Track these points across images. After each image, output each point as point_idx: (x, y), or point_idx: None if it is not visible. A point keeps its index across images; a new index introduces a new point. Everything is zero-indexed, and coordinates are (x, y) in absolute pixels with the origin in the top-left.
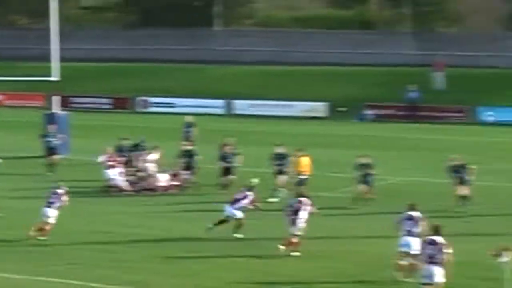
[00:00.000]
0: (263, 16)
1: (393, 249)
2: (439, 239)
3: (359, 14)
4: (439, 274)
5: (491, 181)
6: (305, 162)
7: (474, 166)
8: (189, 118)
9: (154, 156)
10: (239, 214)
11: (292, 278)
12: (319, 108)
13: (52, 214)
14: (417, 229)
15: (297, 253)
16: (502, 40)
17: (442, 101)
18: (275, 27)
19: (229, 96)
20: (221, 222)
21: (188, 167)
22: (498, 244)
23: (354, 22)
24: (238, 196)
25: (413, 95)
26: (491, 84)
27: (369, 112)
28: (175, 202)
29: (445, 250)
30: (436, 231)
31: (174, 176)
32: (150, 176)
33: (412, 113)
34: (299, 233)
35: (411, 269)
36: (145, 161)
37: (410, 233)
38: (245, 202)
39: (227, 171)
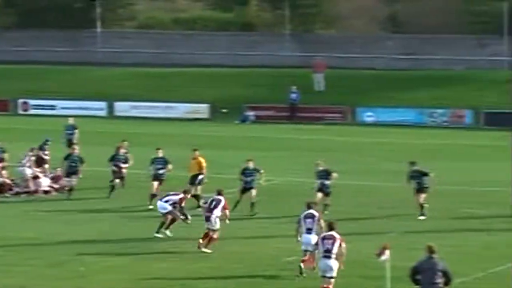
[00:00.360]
0: (144, 18)
1: (277, 249)
2: (334, 234)
3: (239, 16)
4: (335, 268)
5: (372, 181)
6: (200, 162)
7: (335, 174)
8: (71, 121)
9: (32, 158)
10: (168, 208)
11: (178, 279)
12: (201, 109)
13: None
14: (316, 227)
15: (208, 251)
16: (381, 41)
17: (322, 102)
18: (156, 29)
19: (110, 98)
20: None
21: (72, 172)
22: (380, 243)
23: (235, 24)
24: (171, 193)
25: (293, 96)
26: (370, 85)
27: (251, 113)
28: (59, 205)
29: (340, 245)
30: (331, 227)
31: (54, 179)
32: (30, 179)
33: (292, 114)
34: (214, 228)
35: (310, 265)
36: (25, 164)
37: (309, 231)
38: (174, 198)
39: (119, 173)
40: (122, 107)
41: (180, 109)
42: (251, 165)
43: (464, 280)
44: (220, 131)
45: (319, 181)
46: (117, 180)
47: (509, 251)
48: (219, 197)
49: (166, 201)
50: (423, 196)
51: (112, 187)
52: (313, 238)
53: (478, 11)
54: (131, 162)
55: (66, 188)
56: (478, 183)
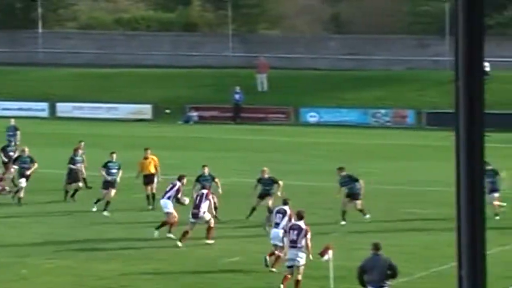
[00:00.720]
0: (86, 19)
1: (220, 250)
2: (301, 224)
3: (182, 16)
4: (302, 257)
5: (315, 181)
6: (153, 161)
7: (281, 182)
8: (12, 122)
9: None
10: (169, 207)
11: (122, 281)
12: (144, 110)
13: None
14: (284, 222)
15: (211, 241)
16: (324, 42)
17: (266, 102)
18: (97, 30)
19: (52, 99)
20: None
21: (23, 173)
22: (323, 243)
23: (177, 24)
24: (168, 188)
25: (237, 96)
26: (313, 86)
27: (194, 113)
28: (3, 208)
29: (306, 235)
30: (300, 217)
31: None
32: None
33: (236, 114)
34: (207, 219)
35: (277, 259)
36: None
37: (277, 225)
38: (173, 190)
39: (75, 175)
40: (64, 108)
41: (123, 110)
42: (206, 171)
43: (407, 280)
44: (163, 132)
45: (263, 188)
46: (80, 184)
47: (450, 251)
48: (204, 191)
49: (168, 197)
50: (358, 202)
51: (75, 191)
52: (281, 232)
53: (420, 11)
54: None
55: (6, 191)
56: (420, 183)
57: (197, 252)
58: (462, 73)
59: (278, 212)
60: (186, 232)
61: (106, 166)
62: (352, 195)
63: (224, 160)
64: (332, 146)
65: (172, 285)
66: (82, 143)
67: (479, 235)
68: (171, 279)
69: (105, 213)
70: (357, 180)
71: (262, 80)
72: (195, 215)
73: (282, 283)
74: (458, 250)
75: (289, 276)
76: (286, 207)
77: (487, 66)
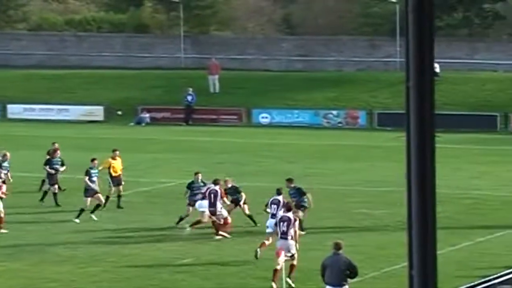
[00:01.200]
0: (36, 19)
1: (171, 252)
2: (290, 216)
3: (133, 17)
4: (292, 246)
5: (268, 182)
6: (118, 163)
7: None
8: None
9: None
10: (205, 207)
11: (73, 284)
12: (96, 111)
13: None
14: (281, 212)
15: (228, 235)
16: (276, 43)
17: (218, 103)
18: (48, 31)
19: (2, 100)
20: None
21: None
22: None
23: (129, 26)
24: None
25: (189, 98)
26: (265, 87)
27: (146, 115)
28: None
29: (294, 225)
30: (288, 208)
31: None
32: None
33: (188, 116)
34: (224, 216)
35: (265, 247)
36: None
37: (273, 216)
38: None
39: (56, 178)
40: (15, 110)
41: (75, 112)
42: (199, 178)
43: (359, 280)
44: (115, 134)
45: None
46: (56, 186)
47: (402, 251)
48: (215, 187)
49: (203, 198)
50: (301, 213)
51: (45, 193)
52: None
53: (370, 13)
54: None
55: None
56: (372, 184)
57: (149, 254)
58: (412, 74)
59: (272, 203)
60: (198, 221)
61: (88, 173)
62: (298, 207)
63: (176, 161)
64: (285, 147)
65: (123, 287)
66: (56, 144)
67: (430, 235)
68: (122, 281)
69: (93, 216)
70: (304, 194)
71: (214, 82)
72: (213, 213)
73: (260, 247)
74: (409, 250)
75: (267, 243)
76: (280, 197)
77: (437, 67)
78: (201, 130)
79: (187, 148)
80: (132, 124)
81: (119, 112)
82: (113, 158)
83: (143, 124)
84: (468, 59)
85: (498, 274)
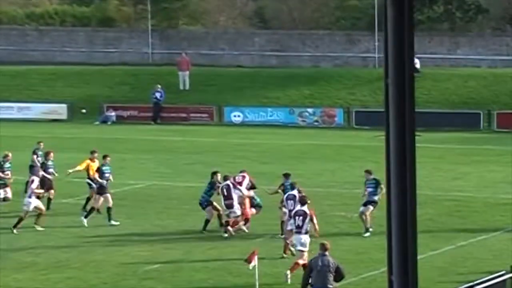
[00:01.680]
0: None
1: (139, 257)
2: (305, 209)
3: (98, 10)
4: (306, 242)
5: None
6: (96, 165)
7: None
8: None
9: None
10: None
11: None
12: (59, 110)
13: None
14: (298, 207)
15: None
16: (248, 37)
17: (188, 101)
18: (8, 25)
19: None
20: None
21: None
22: (249, 249)
23: (93, 19)
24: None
25: (157, 95)
26: (237, 84)
27: (112, 113)
28: None
29: (312, 220)
30: (303, 202)
31: None
32: None
33: (157, 114)
34: (237, 214)
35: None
36: None
37: (291, 212)
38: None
39: (49, 182)
40: None
41: (36, 110)
42: (219, 177)
43: (337, 286)
44: (79, 133)
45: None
46: (52, 191)
47: (381, 255)
48: (227, 182)
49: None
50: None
51: (49, 199)
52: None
53: (348, 6)
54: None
55: None
56: (349, 185)
57: (115, 260)
58: (391, 71)
59: (288, 199)
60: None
61: (100, 170)
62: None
63: (144, 162)
64: (258, 147)
65: None
66: (41, 144)
67: (411, 239)
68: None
69: (113, 221)
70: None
71: (184, 78)
72: (230, 206)
73: (290, 271)
74: (389, 255)
75: (301, 262)
76: (295, 192)
77: (417, 63)
78: (170, 129)
79: (156, 148)
80: (97, 123)
81: (83, 110)
82: (92, 160)
83: (109, 123)
84: (450, 55)
85: (482, 280)
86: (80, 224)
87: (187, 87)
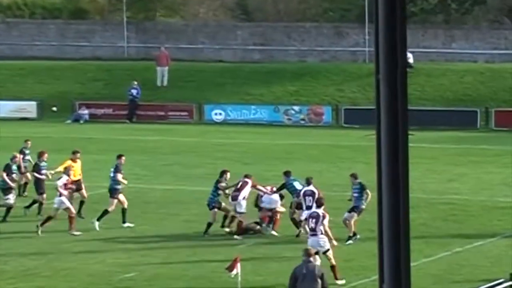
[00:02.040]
0: None
1: (113, 265)
2: (320, 211)
3: (70, 1)
4: (324, 243)
5: None
6: (78, 167)
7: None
8: None
9: None
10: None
11: None
12: (28, 107)
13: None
14: (315, 204)
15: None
16: (230, 30)
17: (166, 98)
18: None
19: None
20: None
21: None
22: (230, 257)
23: (65, 11)
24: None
25: (133, 92)
26: (219, 80)
27: (85, 111)
28: None
29: (323, 221)
30: (320, 204)
31: None
32: None
33: (132, 112)
34: (241, 211)
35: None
36: None
37: (309, 208)
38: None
39: (43, 184)
40: None
41: (4, 108)
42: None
43: None
44: (50, 132)
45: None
46: (44, 195)
47: (372, 262)
48: (247, 179)
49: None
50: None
51: (41, 203)
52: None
53: None
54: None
55: None
56: (337, 188)
57: (88, 268)
58: (383, 66)
59: (306, 194)
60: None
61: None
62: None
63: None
64: (241, 147)
65: None
66: (29, 142)
67: (403, 245)
68: None
69: (126, 224)
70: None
71: (162, 74)
72: (235, 198)
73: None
74: (380, 262)
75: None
76: (312, 187)
77: (410, 58)
78: (147, 128)
79: (131, 148)
80: (69, 121)
81: (54, 108)
82: (73, 161)
83: (82, 122)
84: (445, 48)
85: None
86: (51, 229)
87: (165, 83)
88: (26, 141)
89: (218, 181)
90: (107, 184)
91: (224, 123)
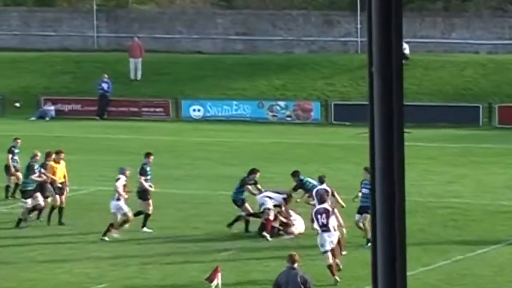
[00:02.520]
0: None
1: (82, 275)
2: (326, 206)
3: None
4: (335, 237)
5: (200, 189)
6: (62, 168)
7: None
8: None
9: None
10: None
11: None
12: None
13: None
14: (330, 201)
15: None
16: (210, 19)
17: (139, 93)
18: None
19: None
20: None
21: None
22: (211, 265)
23: None
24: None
25: (104, 86)
26: (197, 73)
27: (51, 107)
28: None
29: (333, 214)
30: (323, 200)
31: None
32: None
33: (103, 108)
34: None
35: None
36: None
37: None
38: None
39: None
40: None
41: None
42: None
43: None
44: (12, 130)
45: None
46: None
47: (364, 272)
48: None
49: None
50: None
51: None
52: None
53: None
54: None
55: None
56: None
57: (55, 278)
58: (376, 57)
59: (318, 193)
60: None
61: (144, 171)
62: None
63: (89, 164)
64: (221, 146)
65: None
66: (19, 141)
67: (399, 253)
68: None
69: (145, 229)
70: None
71: (135, 66)
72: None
73: (333, 274)
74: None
75: (331, 261)
76: (325, 186)
77: (406, 49)
78: (119, 125)
79: (102, 147)
80: (33, 118)
81: (17, 104)
82: (56, 162)
83: (47, 119)
84: (444, 39)
85: None
86: (16, 235)
87: (139, 76)
88: (15, 139)
89: (244, 179)
90: (75, 186)
91: (203, 120)
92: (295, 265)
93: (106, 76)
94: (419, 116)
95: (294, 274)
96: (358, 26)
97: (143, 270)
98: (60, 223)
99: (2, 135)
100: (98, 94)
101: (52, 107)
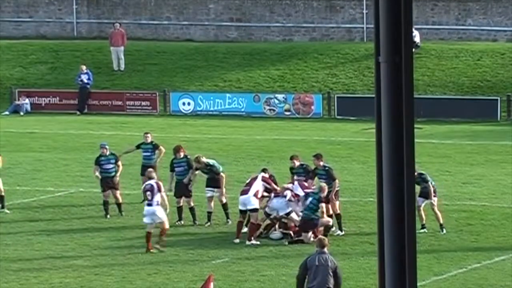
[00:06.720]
0: None
1: (61, 286)
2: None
3: None
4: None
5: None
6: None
7: None
8: None
9: None
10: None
11: None
12: None
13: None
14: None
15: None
16: (200, 4)
17: (123, 85)
18: None
19: None
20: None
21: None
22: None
23: None
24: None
25: (84, 77)
26: (187, 63)
27: (25, 101)
28: None
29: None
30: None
31: None
32: None
33: (83, 102)
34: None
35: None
36: None
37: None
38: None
39: None
40: None
41: None
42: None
43: None
44: None
45: None
46: None
47: (371, 281)
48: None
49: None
50: None
51: None
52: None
53: None
54: None
55: None
56: None
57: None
58: (384, 46)
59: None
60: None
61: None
62: None
63: (67, 163)
64: (213, 143)
65: None
66: None
67: (409, 261)
68: None
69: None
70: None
71: (117, 56)
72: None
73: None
74: (381, 281)
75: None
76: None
77: (416, 36)
78: (101, 120)
79: (82, 145)
80: (6, 113)
81: None
82: None
83: (22, 113)
84: (458, 25)
85: None
86: None
87: (122, 67)
88: None
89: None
90: (52, 188)
91: (193, 114)
92: (325, 249)
93: (84, 67)
94: (431, 111)
95: (325, 259)
96: (364, 11)
97: (127, 280)
98: None
99: None
100: (77, 86)
101: (27, 101)
